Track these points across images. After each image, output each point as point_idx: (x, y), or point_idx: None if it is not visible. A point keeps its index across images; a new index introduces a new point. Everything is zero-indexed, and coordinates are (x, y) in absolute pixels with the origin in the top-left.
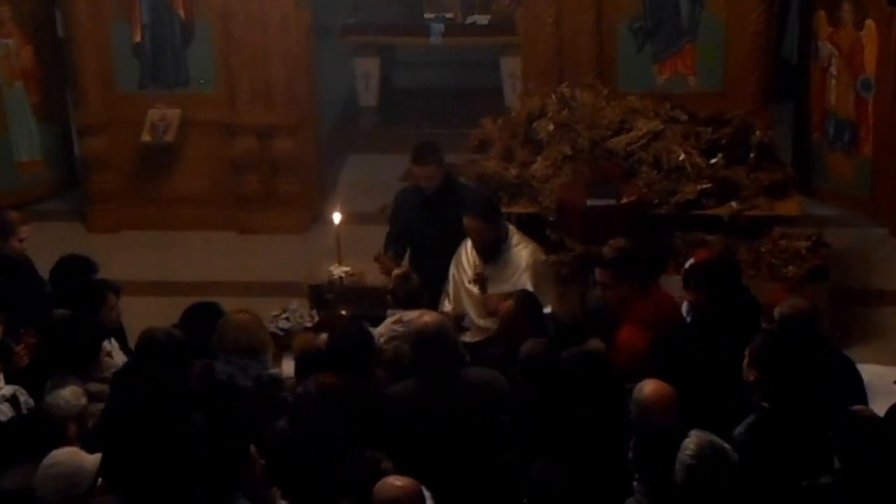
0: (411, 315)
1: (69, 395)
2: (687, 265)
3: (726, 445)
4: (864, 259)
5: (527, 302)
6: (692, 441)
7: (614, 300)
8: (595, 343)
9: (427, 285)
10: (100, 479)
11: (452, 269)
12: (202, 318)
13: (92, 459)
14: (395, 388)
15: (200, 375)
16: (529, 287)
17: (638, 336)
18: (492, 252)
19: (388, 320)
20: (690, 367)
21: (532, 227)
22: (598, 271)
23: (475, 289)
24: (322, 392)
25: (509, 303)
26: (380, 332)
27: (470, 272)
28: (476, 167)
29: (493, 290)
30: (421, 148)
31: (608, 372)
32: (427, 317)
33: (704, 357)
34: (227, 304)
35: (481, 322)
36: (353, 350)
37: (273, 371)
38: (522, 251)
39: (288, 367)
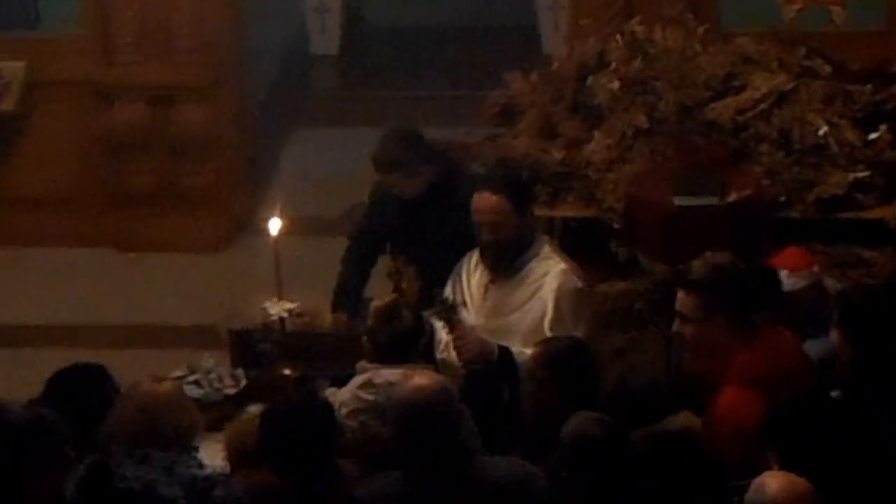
0: (388, 375)
1: None
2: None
3: None
4: None
5: (570, 353)
6: None
7: (702, 344)
8: (684, 418)
9: (423, 326)
10: None
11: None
12: (82, 392)
13: None
14: (372, 489)
15: (87, 482)
16: (545, 331)
17: (747, 403)
18: (505, 261)
19: (354, 382)
20: (833, 449)
21: (587, 239)
22: (680, 296)
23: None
24: (255, 499)
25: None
26: (341, 400)
27: (471, 288)
28: (498, 148)
29: (489, 321)
30: (384, 140)
31: (705, 462)
32: (422, 378)
33: (856, 434)
34: (100, 359)
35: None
36: (303, 433)
37: (208, 471)
38: (554, 267)
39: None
